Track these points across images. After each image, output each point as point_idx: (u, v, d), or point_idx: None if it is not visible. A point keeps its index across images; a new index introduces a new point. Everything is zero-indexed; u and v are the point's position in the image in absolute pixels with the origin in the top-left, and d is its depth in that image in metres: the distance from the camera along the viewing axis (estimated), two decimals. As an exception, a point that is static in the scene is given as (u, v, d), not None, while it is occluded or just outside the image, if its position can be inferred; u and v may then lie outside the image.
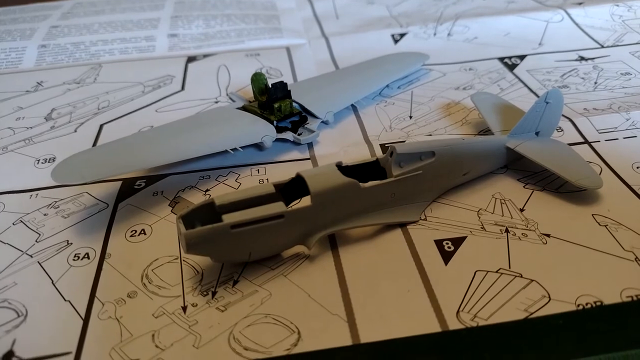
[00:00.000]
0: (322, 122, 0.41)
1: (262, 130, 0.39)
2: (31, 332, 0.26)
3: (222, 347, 0.25)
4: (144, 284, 0.29)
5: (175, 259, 0.30)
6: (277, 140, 0.39)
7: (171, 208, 0.34)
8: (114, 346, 0.25)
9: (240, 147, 0.37)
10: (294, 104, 0.41)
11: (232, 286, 0.28)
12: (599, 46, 0.52)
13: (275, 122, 0.40)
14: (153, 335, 0.26)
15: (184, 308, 0.27)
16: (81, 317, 0.27)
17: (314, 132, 0.40)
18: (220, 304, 0.27)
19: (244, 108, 0.42)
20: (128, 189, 0.36)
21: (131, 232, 0.32)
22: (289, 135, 0.40)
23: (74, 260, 0.30)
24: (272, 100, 0.40)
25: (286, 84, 0.41)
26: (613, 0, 0.61)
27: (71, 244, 0.31)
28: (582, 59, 0.50)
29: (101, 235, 0.32)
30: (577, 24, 0.57)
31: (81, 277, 0.29)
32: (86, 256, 0.31)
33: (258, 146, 0.39)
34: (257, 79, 0.41)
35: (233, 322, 0.26)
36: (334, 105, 0.42)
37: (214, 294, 0.28)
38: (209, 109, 0.44)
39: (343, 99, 0.43)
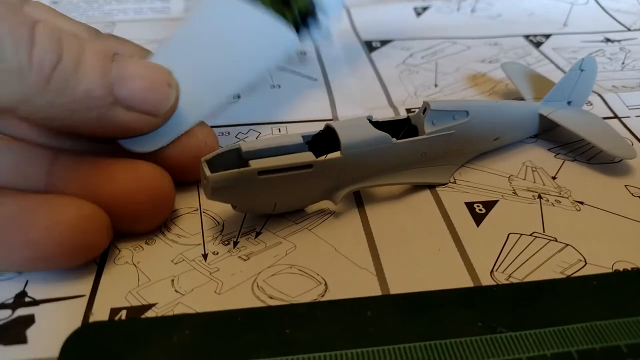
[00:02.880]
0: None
1: (282, 40, 0.32)
2: (44, 274, 0.25)
3: (246, 293, 0.24)
4: (163, 232, 0.27)
5: (195, 210, 0.29)
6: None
7: (189, 162, 0.33)
8: (130, 290, 0.24)
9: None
10: None
11: (255, 237, 0.27)
12: (625, 29, 0.51)
13: (296, 18, 0.34)
14: (172, 281, 0.25)
15: (205, 256, 0.26)
16: (95, 262, 0.26)
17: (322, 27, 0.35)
18: (242, 253, 0.26)
19: None
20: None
21: (148, 182, 0.31)
22: (305, 34, 0.34)
23: (87, 206, 0.29)
24: None
25: None
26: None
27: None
28: (608, 40, 0.49)
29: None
30: (602, 7, 0.56)
31: (95, 223, 0.28)
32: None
33: (277, 102, 0.38)
34: None
35: (257, 271, 0.25)
36: None
37: (235, 243, 0.27)
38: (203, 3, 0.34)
39: None
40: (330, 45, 0.36)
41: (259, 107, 0.37)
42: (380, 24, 0.50)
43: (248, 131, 0.36)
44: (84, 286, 0.24)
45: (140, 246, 0.27)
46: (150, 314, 0.23)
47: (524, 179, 0.31)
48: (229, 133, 0.35)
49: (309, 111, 0.38)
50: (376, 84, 0.41)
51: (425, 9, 0.55)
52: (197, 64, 0.31)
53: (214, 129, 0.35)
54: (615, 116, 0.37)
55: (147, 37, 0.48)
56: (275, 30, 0.32)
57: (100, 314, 0.23)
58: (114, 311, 0.23)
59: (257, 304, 0.23)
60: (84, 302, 0.24)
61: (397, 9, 0.55)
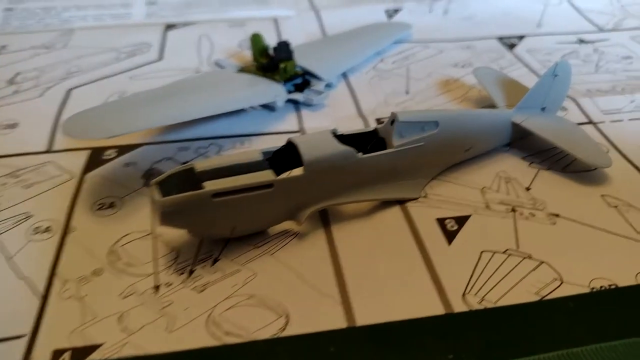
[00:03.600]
0: (327, 84, 0.39)
1: (273, 90, 0.36)
2: (-23, 312, 0.23)
3: (199, 331, 0.22)
4: (111, 261, 0.25)
5: (148, 234, 0.27)
6: (263, 109, 0.36)
7: (144, 181, 0.31)
8: (74, 328, 0.22)
9: (258, 106, 0.36)
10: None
11: (212, 265, 0.25)
12: (598, 30, 0.50)
13: (282, 83, 0.38)
14: (120, 317, 0.23)
15: (156, 288, 0.24)
16: (38, 297, 0.24)
17: (322, 92, 0.38)
18: (197, 284, 0.24)
19: (243, 71, 0.40)
20: (96, 159, 0.32)
21: (99, 205, 0.29)
22: (298, 96, 0.37)
23: (33, 234, 0.27)
24: (278, 60, 0.38)
25: (289, 44, 0.38)
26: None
27: (31, 216, 0.28)
28: (582, 41, 0.48)
29: (65, 207, 0.29)
30: (575, 7, 0.55)
31: (41, 253, 0.26)
32: (47, 230, 0.27)
33: (240, 116, 0.36)
34: (257, 39, 0.40)
35: (212, 304, 0.23)
36: (336, 68, 0.41)
37: (190, 272, 0.25)
38: (209, 72, 0.42)
39: (342, 62, 0.42)
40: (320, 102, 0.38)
41: (220, 120, 0.35)
42: (350, 26, 0.48)
43: (209, 145, 0.34)
44: (23, 325, 0.22)
45: (87, 278, 0.25)
46: (96, 356, 0.21)
47: (497, 191, 0.30)
48: (188, 148, 0.33)
49: (273, 123, 0.36)
50: (345, 92, 0.40)
51: (396, 10, 0.53)
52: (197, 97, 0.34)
53: (172, 143, 0.34)
54: (590, 122, 0.36)
55: (107, 44, 0.46)
56: (266, 85, 0.37)
57: (41, 357, 0.21)
58: (57, 353, 0.21)
59: (212, 342, 0.22)
60: (23, 343, 0.22)
61: (368, 10, 0.53)
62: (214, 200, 0.24)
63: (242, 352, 0.21)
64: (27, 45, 0.46)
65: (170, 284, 0.24)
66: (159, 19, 0.51)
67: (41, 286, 0.24)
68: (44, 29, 0.49)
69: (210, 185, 0.24)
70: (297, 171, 0.26)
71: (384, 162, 0.27)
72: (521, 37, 0.48)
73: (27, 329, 0.22)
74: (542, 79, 0.33)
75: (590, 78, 0.42)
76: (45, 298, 0.24)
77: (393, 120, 0.28)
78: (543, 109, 0.33)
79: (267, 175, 0.25)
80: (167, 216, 0.23)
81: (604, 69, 0.43)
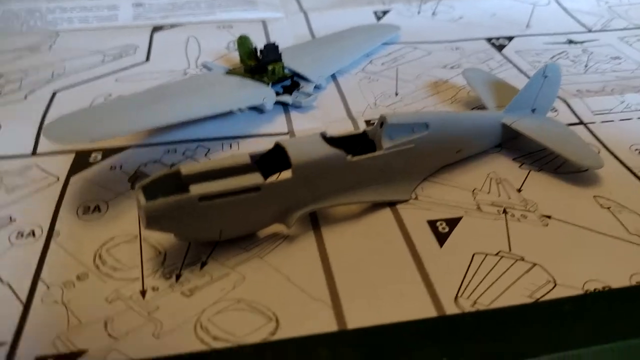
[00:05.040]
0: (316, 86, 0.39)
1: (261, 92, 0.36)
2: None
3: (187, 336, 0.21)
4: (97, 266, 0.25)
5: (134, 238, 0.26)
6: (252, 111, 0.36)
7: (130, 184, 0.30)
8: (59, 334, 0.22)
9: (246, 108, 0.35)
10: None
11: (200, 269, 0.25)
12: (586, 30, 0.51)
13: (270, 85, 0.37)
14: (106, 323, 0.22)
15: (143, 292, 0.23)
16: (21, 302, 0.23)
17: (311, 94, 0.37)
18: (185, 288, 0.24)
19: (231, 73, 0.39)
20: (82, 162, 0.32)
21: (84, 208, 0.28)
22: (287, 98, 0.37)
23: (16, 238, 0.26)
24: (266, 62, 0.37)
25: (277, 45, 0.38)
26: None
27: (14, 220, 0.27)
28: (570, 42, 0.48)
29: (50, 212, 0.28)
30: (563, 8, 0.55)
31: (24, 258, 0.25)
32: (31, 234, 0.27)
33: (228, 118, 0.36)
34: (244, 42, 0.39)
35: (200, 309, 0.23)
36: (325, 70, 0.40)
37: (178, 277, 0.24)
38: (196, 74, 0.41)
39: (331, 64, 0.41)
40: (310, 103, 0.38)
41: (208, 122, 0.35)
42: (339, 28, 0.48)
43: (196, 147, 0.33)
44: (5, 332, 0.22)
45: (72, 282, 0.24)
46: (79, 363, 0.21)
47: (489, 193, 0.30)
48: (175, 150, 0.33)
49: (262, 126, 0.35)
50: (334, 94, 0.39)
51: (385, 12, 0.53)
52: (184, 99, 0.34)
53: (159, 146, 0.33)
54: (581, 122, 0.36)
55: (93, 47, 0.45)
56: (254, 87, 0.36)
57: (23, 364, 0.21)
58: (39, 360, 0.21)
59: (200, 347, 0.21)
60: (3, 351, 0.21)
61: (356, 12, 0.53)
62: (201, 204, 0.23)
63: (230, 357, 0.20)
64: (11, 47, 0.45)
65: (157, 289, 0.24)
66: (146, 21, 0.50)
67: (24, 291, 0.23)
68: (28, 31, 0.49)
69: (197, 189, 0.23)
70: (286, 174, 0.25)
71: (373, 165, 0.27)
72: (510, 38, 0.48)
73: (8, 336, 0.22)
74: (531, 79, 0.32)
75: (580, 79, 0.42)
76: (28, 304, 0.23)
77: (382, 122, 0.27)
78: (533, 110, 0.33)
79: (254, 179, 0.24)
80: (153, 220, 0.23)
81: (593, 69, 0.43)
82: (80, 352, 0.21)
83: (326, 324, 0.22)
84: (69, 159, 0.32)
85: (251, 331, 0.22)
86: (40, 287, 0.24)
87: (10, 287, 0.24)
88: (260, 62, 0.38)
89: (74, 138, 0.29)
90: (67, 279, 0.24)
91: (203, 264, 0.25)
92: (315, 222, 0.27)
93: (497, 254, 0.26)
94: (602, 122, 0.36)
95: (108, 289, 0.24)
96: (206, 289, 0.24)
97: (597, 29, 0.51)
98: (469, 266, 0.25)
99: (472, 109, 0.37)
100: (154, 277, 0.24)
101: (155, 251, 0.25)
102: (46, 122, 0.35)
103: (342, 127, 0.35)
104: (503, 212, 0.28)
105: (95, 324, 0.22)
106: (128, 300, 0.23)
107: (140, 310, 0.23)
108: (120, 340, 0.21)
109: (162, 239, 0.26)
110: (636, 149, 0.33)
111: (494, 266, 0.25)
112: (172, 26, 0.50)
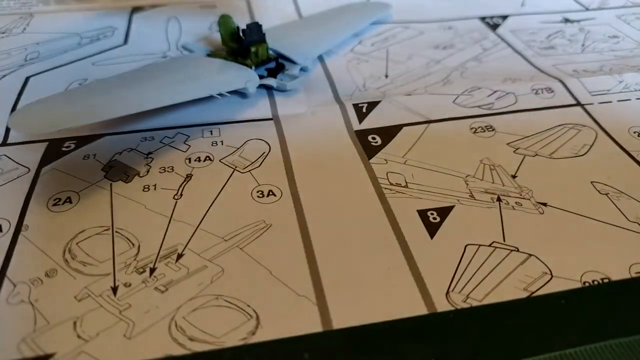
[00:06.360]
0: (302, 68, 0.37)
1: (244, 75, 0.34)
2: None
3: (161, 336, 0.20)
4: (66, 260, 0.23)
5: (107, 229, 0.25)
6: (234, 96, 0.34)
7: (105, 173, 0.28)
8: (25, 336, 0.20)
9: (226, 93, 0.33)
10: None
11: (176, 261, 0.23)
12: (583, 9, 0.49)
13: (253, 68, 0.36)
14: (75, 323, 0.21)
15: (114, 289, 0.22)
16: (-16, 302, 0.22)
17: (297, 77, 0.36)
18: (159, 283, 0.22)
19: (212, 55, 0.37)
20: (54, 151, 0.30)
21: (54, 200, 0.27)
22: (271, 81, 0.35)
23: (-18, 233, 0.25)
24: (248, 43, 0.36)
25: (261, 25, 0.36)
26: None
27: (-20, 214, 0.26)
28: (567, 20, 0.47)
29: (18, 204, 0.26)
30: (560, -14, 0.53)
31: (-11, 254, 0.24)
32: (-2, 229, 0.25)
33: (209, 103, 0.34)
34: (226, 21, 0.37)
35: (176, 306, 0.21)
36: (311, 51, 0.39)
37: (152, 270, 0.23)
38: (175, 56, 0.39)
39: (318, 45, 0.40)
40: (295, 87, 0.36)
41: (188, 107, 0.33)
42: (327, 7, 0.46)
43: (175, 134, 0.31)
44: (-34, 335, 0.20)
45: (40, 279, 0.22)
46: (45, 367, 0.19)
47: (482, 179, 0.28)
48: (153, 138, 0.31)
49: (245, 111, 0.34)
50: (321, 76, 0.38)
51: (375, -9, 0.51)
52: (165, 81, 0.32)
53: (136, 133, 0.31)
54: (578, 103, 0.35)
55: (69, 29, 0.43)
56: (236, 70, 0.35)
57: (-15, 369, 0.19)
58: (3, 365, 0.19)
59: (175, 349, 0.20)
60: (-35, 355, 0.20)
61: (346, -9, 0.51)
62: None
63: (207, 360, 0.19)
64: (-17, 29, 0.43)
65: (130, 284, 0.22)
66: (125, 2, 0.48)
67: (-12, 291, 0.22)
68: (0, 12, 0.46)
69: None
70: None
71: None
72: (504, 17, 0.47)
73: (-30, 339, 0.20)
74: None
75: (577, 58, 0.40)
76: (-8, 304, 0.21)
77: None
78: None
79: None
80: None
81: (590, 48, 0.42)
82: (47, 356, 0.20)
83: (310, 322, 0.21)
84: (41, 149, 0.30)
85: (230, 330, 0.20)
86: (6, 285, 0.22)
87: (-26, 286, 0.22)
88: (242, 44, 0.36)
89: (41, 127, 0.27)
90: (35, 275, 0.23)
91: (179, 256, 0.23)
92: (300, 211, 0.26)
93: (490, 245, 0.24)
94: (600, 103, 0.35)
95: (78, 285, 0.22)
96: (182, 284, 0.22)
97: (594, 7, 0.49)
98: (461, 258, 0.24)
99: (464, 91, 0.36)
100: (127, 272, 0.23)
101: (128, 244, 0.24)
102: (19, 108, 0.33)
103: (328, 111, 0.33)
104: (497, 200, 0.27)
105: (63, 325, 0.21)
106: (98, 297, 0.22)
107: (112, 308, 0.21)
108: (90, 342, 0.20)
109: (137, 230, 0.24)
110: (635, 132, 0.32)
111: (488, 258, 0.24)
112: (153, 6, 0.47)
